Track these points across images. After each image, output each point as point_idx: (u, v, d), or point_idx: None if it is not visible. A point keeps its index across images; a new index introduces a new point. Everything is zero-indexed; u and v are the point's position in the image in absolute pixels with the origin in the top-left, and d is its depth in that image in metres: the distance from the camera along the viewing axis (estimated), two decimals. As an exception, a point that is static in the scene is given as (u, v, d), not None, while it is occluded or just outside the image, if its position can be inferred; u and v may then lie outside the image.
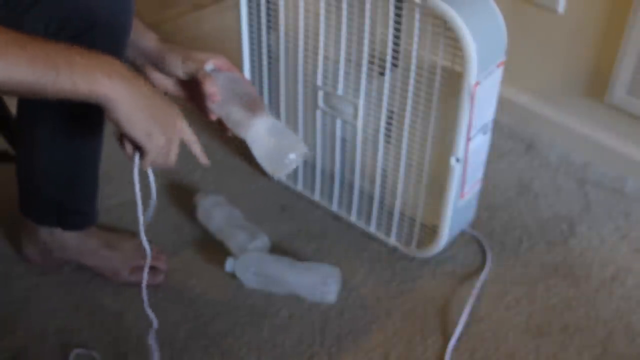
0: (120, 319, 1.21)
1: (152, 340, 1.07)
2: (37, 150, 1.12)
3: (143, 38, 1.08)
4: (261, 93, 1.38)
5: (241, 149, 1.50)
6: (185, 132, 0.95)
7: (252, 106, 1.05)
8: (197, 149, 0.98)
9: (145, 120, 0.87)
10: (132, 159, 0.92)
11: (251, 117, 1.05)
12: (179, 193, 1.43)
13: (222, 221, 1.33)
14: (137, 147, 0.91)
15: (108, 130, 1.16)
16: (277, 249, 1.29)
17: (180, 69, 1.06)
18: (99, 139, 1.15)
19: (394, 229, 1.30)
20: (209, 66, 1.06)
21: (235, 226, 1.32)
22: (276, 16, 1.24)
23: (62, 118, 1.07)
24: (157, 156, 0.91)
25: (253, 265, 1.24)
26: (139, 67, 1.11)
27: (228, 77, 1.07)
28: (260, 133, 1.05)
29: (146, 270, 1.03)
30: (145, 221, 0.99)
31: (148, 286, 1.25)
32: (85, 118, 1.10)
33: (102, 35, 0.99)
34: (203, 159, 1.00)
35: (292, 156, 1.05)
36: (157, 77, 1.09)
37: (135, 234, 1.33)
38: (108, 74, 0.82)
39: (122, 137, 0.90)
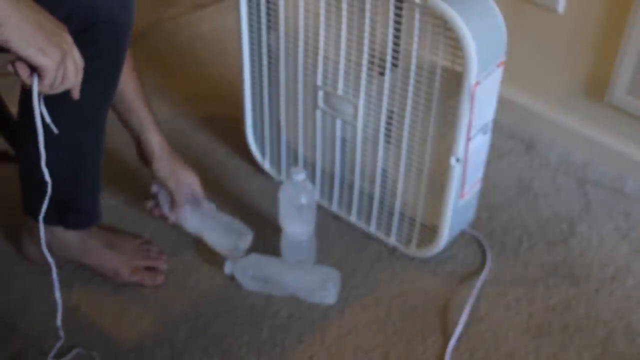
0: (120, 319, 1.21)
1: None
2: (38, 148, 1.12)
3: (148, 132, 1.22)
4: (261, 93, 1.38)
5: (242, 150, 1.50)
6: (74, 47, 0.87)
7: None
8: (79, 76, 0.90)
9: (37, 34, 0.81)
10: (29, 84, 0.85)
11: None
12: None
13: (198, 226, 1.30)
14: (33, 69, 0.84)
15: (109, 130, 1.16)
16: (277, 250, 1.29)
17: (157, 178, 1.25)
18: (100, 138, 1.15)
19: (394, 229, 1.30)
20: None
21: (211, 229, 1.30)
22: (276, 16, 1.24)
23: (63, 117, 1.07)
24: (55, 75, 0.84)
25: (251, 268, 1.24)
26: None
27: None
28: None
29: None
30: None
31: (149, 287, 1.25)
32: (87, 117, 1.10)
33: (103, 33, 0.99)
34: (75, 93, 0.92)
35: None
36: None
37: (136, 235, 1.34)
38: None
39: (15, 61, 0.83)
